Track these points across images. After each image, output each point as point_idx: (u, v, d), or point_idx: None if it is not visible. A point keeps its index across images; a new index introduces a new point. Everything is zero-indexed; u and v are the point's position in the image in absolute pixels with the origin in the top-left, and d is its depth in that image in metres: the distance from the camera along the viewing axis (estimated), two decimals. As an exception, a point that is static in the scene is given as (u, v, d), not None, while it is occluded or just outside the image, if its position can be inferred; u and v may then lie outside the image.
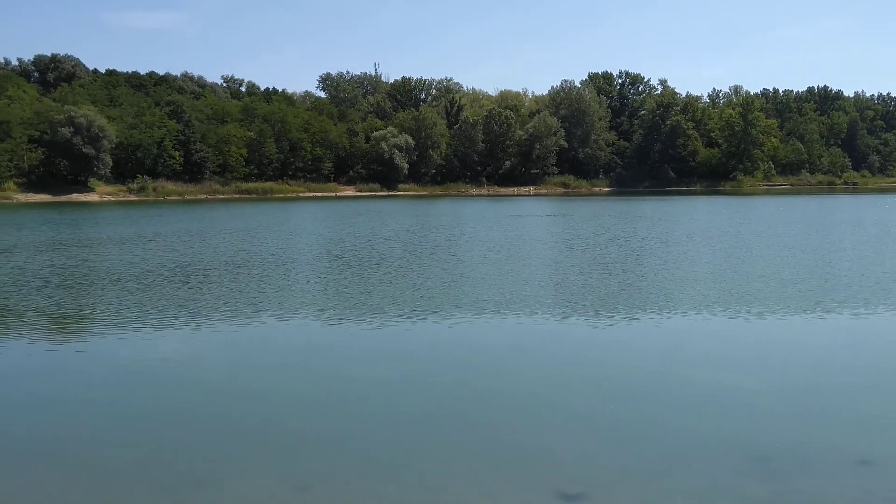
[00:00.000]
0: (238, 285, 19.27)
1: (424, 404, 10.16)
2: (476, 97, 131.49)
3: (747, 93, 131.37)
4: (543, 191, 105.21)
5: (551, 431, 9.11)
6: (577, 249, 28.37)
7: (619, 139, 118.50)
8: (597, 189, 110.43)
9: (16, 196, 71.10)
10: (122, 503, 7.36)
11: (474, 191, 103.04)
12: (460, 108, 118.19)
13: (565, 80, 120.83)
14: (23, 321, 15.06)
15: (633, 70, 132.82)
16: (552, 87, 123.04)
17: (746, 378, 11.23)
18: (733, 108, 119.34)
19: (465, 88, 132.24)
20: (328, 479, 7.82)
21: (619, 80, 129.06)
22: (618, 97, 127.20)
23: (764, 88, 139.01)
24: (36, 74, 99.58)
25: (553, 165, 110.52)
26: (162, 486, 7.69)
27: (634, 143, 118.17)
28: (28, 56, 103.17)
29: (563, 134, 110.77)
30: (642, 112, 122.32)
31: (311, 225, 43.27)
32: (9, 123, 72.87)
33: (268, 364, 12.24)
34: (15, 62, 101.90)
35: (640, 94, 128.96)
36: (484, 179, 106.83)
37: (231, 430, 9.25)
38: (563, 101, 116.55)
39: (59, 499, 7.52)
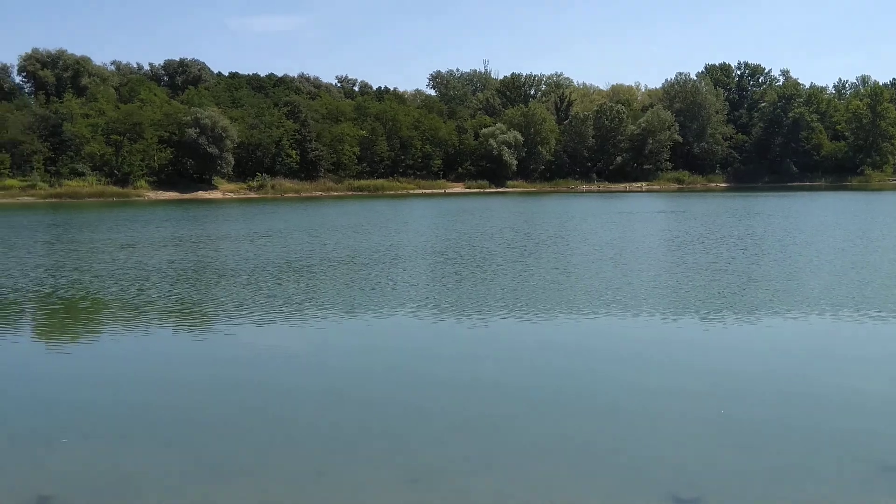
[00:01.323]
0: (344, 281, 19.80)
1: (529, 407, 10.07)
2: (586, 92, 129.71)
3: (876, 83, 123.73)
4: (656, 187, 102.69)
5: (664, 435, 8.96)
6: (689, 248, 27.66)
7: (737, 133, 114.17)
8: (713, 185, 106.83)
9: (147, 193, 75.43)
10: (231, 483, 7.65)
11: (584, 187, 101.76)
12: (570, 104, 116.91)
13: (680, 73, 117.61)
14: (139, 312, 15.96)
15: (753, 61, 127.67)
16: (666, 80, 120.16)
17: (872, 382, 10.74)
18: (861, 100, 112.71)
19: (575, 83, 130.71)
20: (436, 475, 7.87)
21: (738, 72, 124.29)
22: (736, 89, 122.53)
23: (894, 78, 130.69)
24: (165, 78, 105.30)
25: (666, 161, 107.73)
26: (278, 469, 7.93)
27: (754, 137, 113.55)
28: (158, 61, 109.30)
29: (678, 128, 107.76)
30: (762, 104, 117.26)
31: (418, 222, 43.93)
32: (141, 125, 77.40)
33: (375, 357, 12.46)
34: (147, 67, 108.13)
35: (760, 86, 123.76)
36: (594, 175, 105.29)
37: (340, 420, 9.47)
38: (678, 94, 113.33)
39: (191, 469, 7.88)
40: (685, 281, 19.60)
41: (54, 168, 73.28)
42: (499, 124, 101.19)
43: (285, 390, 10.69)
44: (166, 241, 30.44)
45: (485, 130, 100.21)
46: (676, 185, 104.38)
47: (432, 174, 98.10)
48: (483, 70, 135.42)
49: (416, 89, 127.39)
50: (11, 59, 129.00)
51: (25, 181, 71.17)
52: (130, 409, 9.92)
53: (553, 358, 12.44)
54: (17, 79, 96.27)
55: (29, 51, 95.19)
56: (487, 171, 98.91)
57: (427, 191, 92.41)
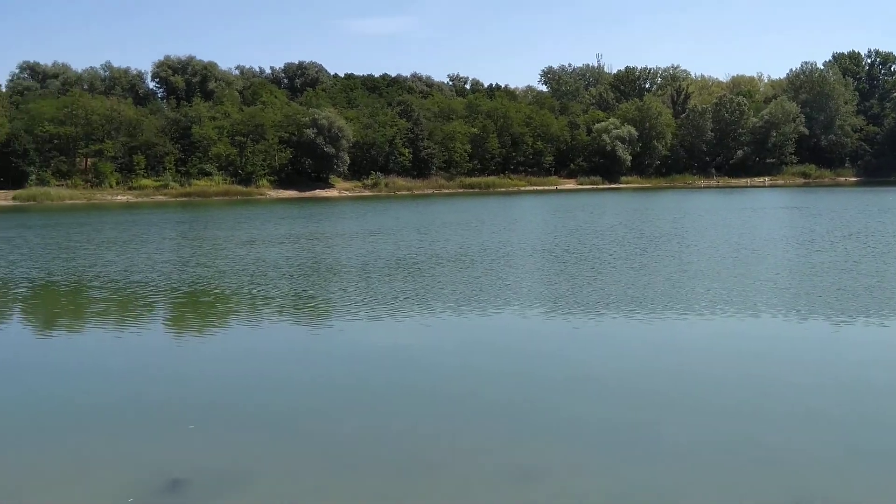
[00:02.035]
0: (453, 278, 19.94)
1: (644, 408, 9.88)
2: (705, 84, 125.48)
3: None
4: (780, 181, 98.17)
5: (793, 437, 8.61)
6: (815, 245, 26.33)
7: (867, 124, 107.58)
8: (842, 179, 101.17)
9: (268, 192, 78.54)
10: (348, 476, 7.84)
11: (702, 182, 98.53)
12: (687, 97, 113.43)
13: (805, 62, 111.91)
14: (255, 306, 16.61)
15: (884, 48, 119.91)
16: (791, 69, 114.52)
17: None
18: None
19: (692, 75, 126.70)
20: (551, 470, 7.82)
21: (868, 60, 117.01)
22: (866, 78, 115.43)
23: None
24: (285, 81, 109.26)
25: (791, 154, 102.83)
26: (391, 462, 8.10)
27: (886, 129, 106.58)
28: (279, 64, 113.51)
29: (803, 120, 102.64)
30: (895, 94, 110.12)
31: (529, 219, 43.75)
32: (263, 126, 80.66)
33: (483, 354, 12.54)
34: (268, 71, 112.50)
35: (892, 75, 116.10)
36: (713, 170, 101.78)
37: (455, 413, 9.57)
38: (804, 84, 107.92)
39: (299, 467, 8.17)
40: (809, 280, 18.68)
41: (184, 168, 77.42)
42: (612, 119, 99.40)
43: (392, 386, 10.89)
44: (283, 238, 31.58)
45: (598, 126, 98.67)
46: (802, 180, 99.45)
47: (544, 171, 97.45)
48: (596, 64, 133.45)
49: (528, 85, 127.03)
50: (146, 66, 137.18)
51: (159, 181, 75.54)
52: (248, 400, 10.32)
53: (664, 357, 12.17)
54: (151, 84, 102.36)
55: (161, 58, 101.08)
56: (600, 166, 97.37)
57: (538, 188, 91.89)
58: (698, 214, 43.85)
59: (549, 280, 19.82)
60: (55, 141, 73.62)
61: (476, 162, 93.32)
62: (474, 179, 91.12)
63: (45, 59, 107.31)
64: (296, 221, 42.68)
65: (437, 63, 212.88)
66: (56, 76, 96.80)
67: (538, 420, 9.36)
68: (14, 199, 66.91)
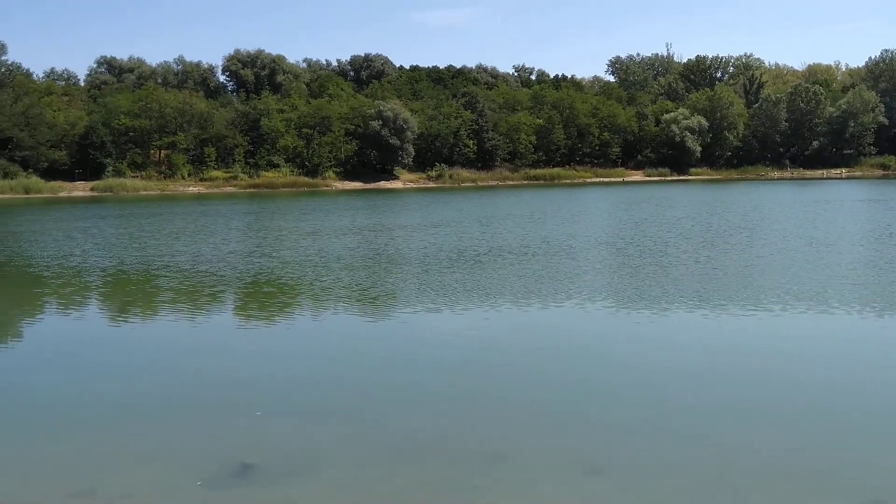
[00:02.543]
0: (514, 270, 19.76)
1: (711, 406, 9.63)
2: (779, 73, 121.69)
3: None
4: (858, 173, 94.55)
5: (876, 442, 8.25)
6: (894, 239, 25.20)
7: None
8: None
9: (334, 183, 79.51)
10: (413, 465, 7.86)
11: (775, 174, 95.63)
12: (760, 86, 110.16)
13: (885, 50, 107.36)
14: (316, 296, 16.78)
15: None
16: (870, 58, 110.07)
17: None
18: None
19: (766, 64, 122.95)
20: (613, 468, 7.70)
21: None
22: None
23: None
24: (351, 73, 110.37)
25: (870, 145, 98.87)
26: (456, 452, 8.06)
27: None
28: (345, 57, 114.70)
29: (883, 109, 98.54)
30: None
31: (594, 211, 43.16)
32: (329, 119, 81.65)
33: (551, 347, 12.41)
34: (335, 63, 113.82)
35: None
36: (787, 162, 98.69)
37: (518, 406, 9.47)
38: (884, 72, 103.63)
39: (361, 450, 8.21)
40: (888, 276, 17.87)
41: (253, 160, 78.98)
42: (681, 109, 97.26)
43: (455, 377, 10.84)
44: (346, 230, 31.91)
45: (666, 116, 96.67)
46: (882, 172, 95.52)
47: (610, 162, 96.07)
48: (665, 53, 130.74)
49: (594, 76, 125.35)
50: (216, 59, 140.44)
51: (229, 172, 77.28)
52: (313, 388, 10.47)
53: (730, 358, 11.77)
54: (222, 78, 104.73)
55: (231, 52, 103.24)
56: (669, 158, 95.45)
57: (604, 179, 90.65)
58: (770, 207, 42.54)
59: (611, 273, 19.48)
60: (130, 133, 75.98)
61: (541, 153, 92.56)
62: (539, 171, 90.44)
63: (122, 53, 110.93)
64: (359, 213, 43.08)
65: (502, 54, 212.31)
66: (131, 70, 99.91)
67: (602, 415, 9.20)
68: (92, 189, 69.38)
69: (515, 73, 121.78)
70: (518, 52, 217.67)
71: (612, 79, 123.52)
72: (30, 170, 70.10)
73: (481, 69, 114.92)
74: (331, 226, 33.99)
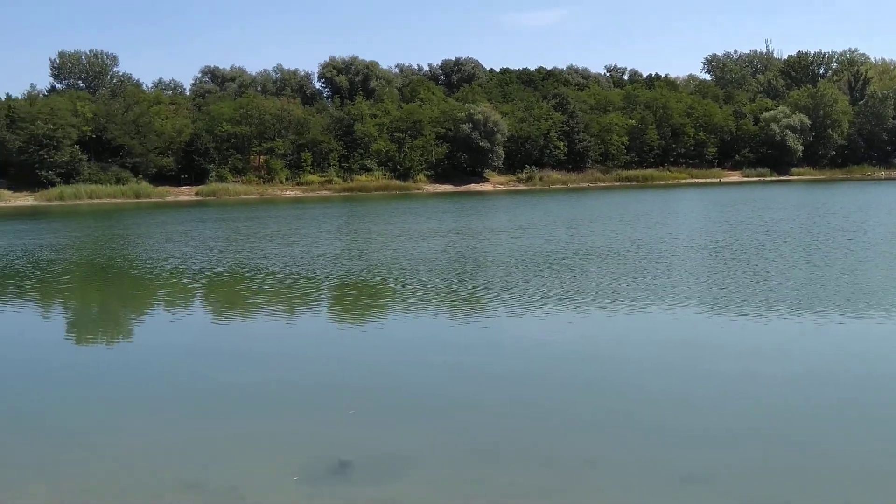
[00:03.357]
0: (602, 273, 19.71)
1: (814, 412, 9.50)
2: (886, 68, 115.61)
3: None
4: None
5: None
6: None
7: None
8: None
9: (425, 186, 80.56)
10: (507, 467, 8.02)
11: (882, 174, 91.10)
12: (866, 82, 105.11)
13: None
14: (403, 298, 17.18)
15: None
16: None
17: None
18: None
19: (872, 59, 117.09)
20: (709, 475, 7.65)
21: None
22: None
23: None
24: (442, 77, 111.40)
25: None
26: (549, 455, 8.13)
27: None
28: (436, 61, 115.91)
29: None
30: None
31: (687, 213, 42.29)
32: (421, 123, 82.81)
33: (640, 352, 12.38)
34: (426, 68, 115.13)
35: None
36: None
37: (610, 409, 9.51)
38: None
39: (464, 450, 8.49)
40: None
41: (347, 164, 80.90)
42: (781, 107, 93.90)
43: (548, 379, 10.97)
44: (433, 233, 32.37)
45: (766, 114, 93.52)
46: None
47: (706, 162, 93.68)
48: (764, 50, 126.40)
49: (689, 74, 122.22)
50: (313, 67, 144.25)
51: (324, 176, 79.43)
52: (404, 386, 10.80)
53: (824, 359, 11.58)
54: (317, 84, 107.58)
55: (327, 59, 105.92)
56: (768, 157, 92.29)
57: (700, 180, 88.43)
58: (877, 208, 40.69)
59: (703, 278, 19.15)
60: (232, 140, 79.05)
61: (634, 154, 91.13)
62: (632, 172, 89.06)
63: (224, 63, 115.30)
64: (446, 215, 43.54)
65: (593, 55, 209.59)
66: (233, 79, 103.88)
67: (696, 422, 9.07)
68: (196, 194, 72.60)
69: (607, 74, 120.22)
70: (610, 52, 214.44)
71: (708, 77, 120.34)
72: (140, 175, 73.94)
73: (572, 70, 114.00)
74: (418, 229, 34.56)
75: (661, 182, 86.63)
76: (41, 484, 7.59)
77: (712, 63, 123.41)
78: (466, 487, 7.47)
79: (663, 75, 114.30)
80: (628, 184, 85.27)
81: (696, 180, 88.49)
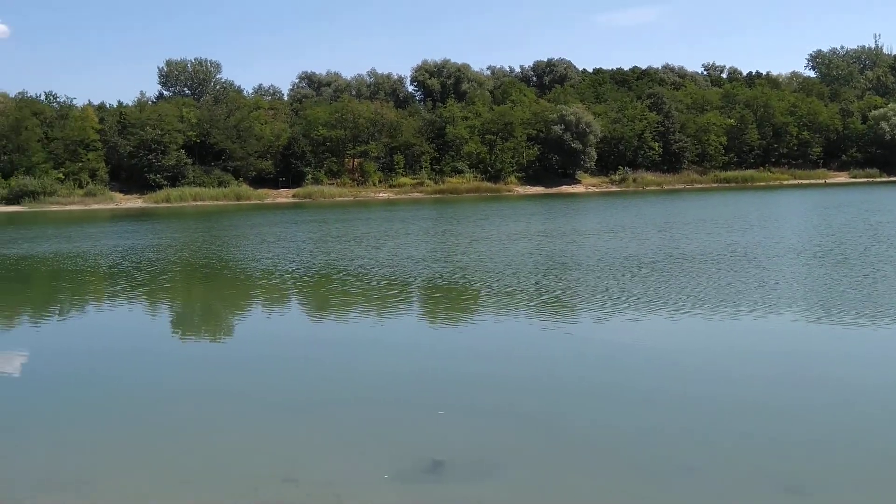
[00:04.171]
0: (696, 278, 19.17)
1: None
2: None
3: None
4: None
5: None
6: None
7: None
8: None
9: (516, 188, 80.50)
10: (602, 474, 7.90)
11: None
12: None
13: None
14: (490, 301, 17.09)
15: None
16: None
17: None
18: None
19: None
20: (816, 486, 7.42)
21: None
22: None
23: None
24: (534, 79, 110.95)
25: None
26: (644, 462, 7.99)
27: None
28: (528, 63, 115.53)
29: None
30: None
31: (789, 215, 40.69)
32: (512, 125, 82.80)
33: (734, 357, 12.04)
34: (518, 70, 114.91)
35: None
36: None
37: (706, 416, 9.28)
38: None
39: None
40: None
41: (438, 167, 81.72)
42: (892, 105, 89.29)
43: (638, 384, 10.79)
44: (520, 235, 32.29)
45: (874, 112, 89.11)
46: None
47: (810, 163, 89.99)
48: (873, 45, 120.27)
49: (793, 71, 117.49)
50: (405, 71, 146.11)
51: (416, 179, 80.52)
52: (495, 387, 10.75)
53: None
54: (410, 88, 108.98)
55: (419, 62, 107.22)
56: (878, 157, 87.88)
57: (803, 181, 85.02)
58: None
59: (801, 283, 18.35)
60: (327, 143, 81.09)
61: (732, 155, 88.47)
62: (730, 173, 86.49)
63: (321, 69, 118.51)
64: (535, 218, 43.35)
65: (690, 53, 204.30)
66: (329, 84, 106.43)
67: (798, 432, 8.74)
68: (294, 196, 74.86)
69: (705, 72, 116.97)
70: (707, 49, 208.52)
71: (812, 74, 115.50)
72: (240, 178, 76.83)
73: (668, 69, 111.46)
74: (506, 230, 34.55)
75: (762, 183, 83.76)
76: (144, 473, 7.95)
77: (817, 59, 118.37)
78: (560, 492, 7.39)
79: (764, 73, 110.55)
80: (727, 185, 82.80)
81: (800, 181, 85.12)
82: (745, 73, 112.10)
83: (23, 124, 72.13)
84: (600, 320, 14.74)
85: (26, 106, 75.72)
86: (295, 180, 78.09)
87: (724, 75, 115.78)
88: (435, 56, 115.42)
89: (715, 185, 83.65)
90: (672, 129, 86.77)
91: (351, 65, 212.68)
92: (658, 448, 8.38)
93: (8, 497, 7.41)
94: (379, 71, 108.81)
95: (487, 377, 11.36)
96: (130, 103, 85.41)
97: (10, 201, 67.21)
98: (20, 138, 71.84)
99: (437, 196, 74.70)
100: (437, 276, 20.78)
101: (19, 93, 79.56)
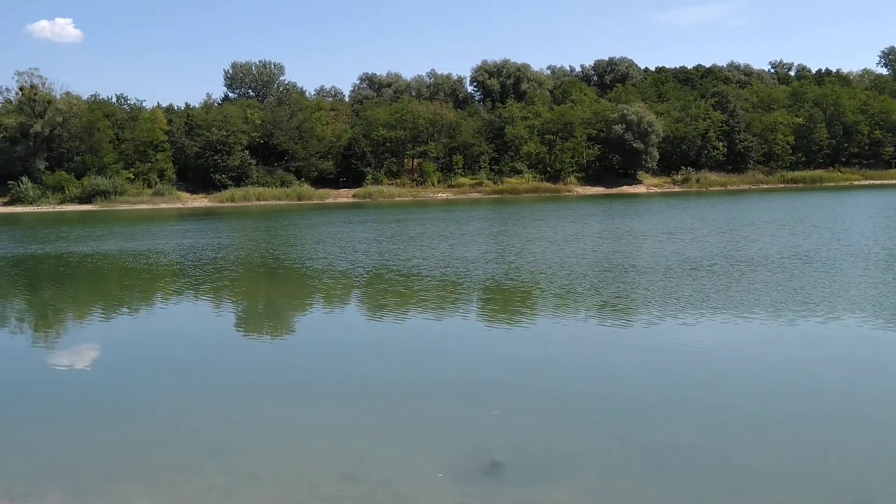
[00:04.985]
0: (750, 280, 18.70)
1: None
2: None
3: None
4: None
5: None
6: None
7: None
8: None
9: (576, 189, 79.82)
10: (665, 478, 7.80)
11: None
12: None
13: None
14: (550, 301, 17.05)
15: None
16: None
17: None
18: None
19: None
20: (883, 497, 7.25)
21: None
22: None
23: None
24: (595, 78, 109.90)
25: None
26: (711, 468, 7.85)
27: None
28: (589, 62, 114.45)
29: None
30: None
31: (858, 217, 39.30)
32: (572, 124, 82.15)
33: (806, 362, 11.77)
34: (578, 69, 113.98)
35: None
36: None
37: (774, 426, 9.04)
38: None
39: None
40: None
41: (497, 167, 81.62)
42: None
43: (703, 383, 10.67)
44: (576, 235, 31.99)
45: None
46: None
47: (882, 163, 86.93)
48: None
49: (864, 69, 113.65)
50: (465, 71, 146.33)
51: (474, 179, 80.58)
52: (554, 389, 10.70)
53: None
54: (469, 88, 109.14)
55: (479, 63, 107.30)
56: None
57: (875, 182, 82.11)
58: None
59: (870, 287, 17.67)
60: (387, 144, 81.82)
61: (800, 154, 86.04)
62: (798, 174, 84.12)
63: (381, 70, 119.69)
64: (591, 218, 42.88)
65: (756, 50, 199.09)
66: (389, 85, 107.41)
67: (873, 441, 8.48)
68: (354, 196, 75.73)
69: (772, 70, 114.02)
70: (774, 47, 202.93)
71: (884, 71, 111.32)
72: (302, 178, 78.11)
73: (733, 67, 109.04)
74: (562, 231, 34.26)
75: (832, 184, 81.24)
76: (212, 464, 8.21)
77: (889, 56, 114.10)
78: (622, 495, 7.32)
79: (834, 70, 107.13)
80: (794, 186, 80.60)
81: (871, 182, 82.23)
82: (814, 71, 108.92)
83: (95, 126, 74.73)
84: (657, 323, 14.49)
85: (98, 108, 78.42)
86: (355, 180, 78.99)
87: (791, 73, 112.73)
88: (495, 56, 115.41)
89: (782, 185, 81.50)
90: (737, 129, 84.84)
91: (411, 66, 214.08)
92: (723, 456, 8.20)
93: (83, 486, 7.71)
94: (438, 71, 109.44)
95: (544, 376, 11.30)
96: (197, 105, 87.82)
97: (82, 200, 69.73)
98: (93, 139, 74.46)
99: (496, 196, 74.56)
100: (490, 278, 20.79)
101: (92, 95, 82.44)
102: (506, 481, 7.64)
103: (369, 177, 79.06)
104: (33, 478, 7.96)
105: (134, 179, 72.88)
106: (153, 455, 8.57)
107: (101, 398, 10.85)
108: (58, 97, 76.44)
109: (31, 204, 68.70)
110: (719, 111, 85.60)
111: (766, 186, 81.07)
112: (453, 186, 79.54)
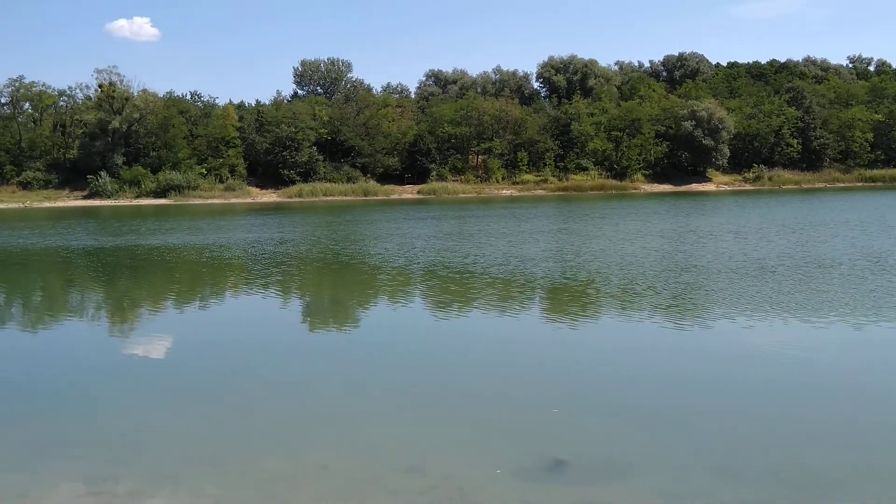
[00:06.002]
0: (813, 283, 18.07)
1: None
2: None
3: None
4: None
5: None
6: None
7: None
8: None
9: (643, 186, 78.59)
10: (730, 481, 7.67)
11: None
12: None
13: None
14: (614, 300, 16.72)
15: None
16: None
17: None
18: None
19: None
20: None
21: None
22: None
23: None
24: (664, 73, 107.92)
25: None
26: (773, 478, 7.67)
27: None
28: (658, 57, 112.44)
29: None
30: None
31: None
32: (639, 121, 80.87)
33: (875, 368, 11.44)
34: (647, 64, 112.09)
35: None
36: None
37: (848, 432, 8.83)
38: None
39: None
40: None
41: (562, 164, 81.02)
42: None
43: (770, 389, 10.46)
44: (637, 233, 31.49)
45: None
46: None
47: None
48: None
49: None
50: (531, 67, 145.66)
51: (539, 176, 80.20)
52: (618, 388, 10.60)
53: None
54: (535, 84, 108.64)
55: (545, 59, 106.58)
56: None
57: (961, 181, 78.41)
58: None
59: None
60: (452, 140, 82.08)
61: (880, 152, 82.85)
62: (877, 172, 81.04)
63: (447, 66, 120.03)
64: (655, 217, 41.98)
65: (833, 45, 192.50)
66: (455, 82, 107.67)
67: None
68: (418, 192, 76.26)
69: (850, 65, 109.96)
70: (853, 41, 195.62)
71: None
72: (368, 174, 79.06)
73: (809, 62, 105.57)
74: (624, 229, 33.74)
75: (913, 183, 77.96)
76: (283, 451, 8.40)
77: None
78: (689, 498, 7.23)
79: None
80: (872, 185, 77.68)
81: (957, 181, 78.59)
82: (894, 66, 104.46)
83: (170, 122, 77.17)
84: (721, 326, 14.18)
85: (173, 105, 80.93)
86: (420, 177, 79.51)
87: (871, 68, 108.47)
88: (561, 52, 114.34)
89: (859, 184, 78.63)
90: (813, 125, 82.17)
91: (477, 62, 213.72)
92: (795, 456, 8.06)
93: (157, 471, 7.97)
94: (504, 68, 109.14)
95: (603, 377, 11.23)
96: (267, 102, 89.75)
97: (157, 195, 72.11)
98: (168, 135, 76.91)
99: (561, 193, 73.96)
100: (548, 275, 20.71)
101: (167, 93, 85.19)
102: (570, 480, 7.61)
103: (434, 173, 79.43)
104: (109, 462, 8.21)
105: (206, 174, 74.94)
106: (223, 442, 8.78)
107: (175, 385, 11.17)
108: (135, 94, 79.17)
109: (109, 198, 71.41)
110: (794, 107, 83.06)
111: (842, 185, 78.35)
112: (518, 183, 79.29)
